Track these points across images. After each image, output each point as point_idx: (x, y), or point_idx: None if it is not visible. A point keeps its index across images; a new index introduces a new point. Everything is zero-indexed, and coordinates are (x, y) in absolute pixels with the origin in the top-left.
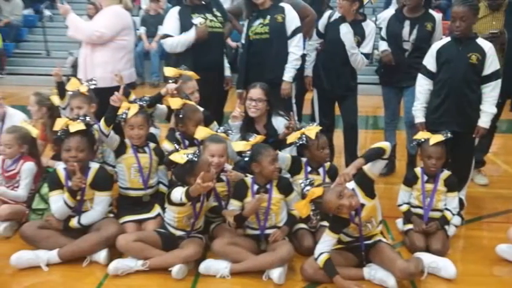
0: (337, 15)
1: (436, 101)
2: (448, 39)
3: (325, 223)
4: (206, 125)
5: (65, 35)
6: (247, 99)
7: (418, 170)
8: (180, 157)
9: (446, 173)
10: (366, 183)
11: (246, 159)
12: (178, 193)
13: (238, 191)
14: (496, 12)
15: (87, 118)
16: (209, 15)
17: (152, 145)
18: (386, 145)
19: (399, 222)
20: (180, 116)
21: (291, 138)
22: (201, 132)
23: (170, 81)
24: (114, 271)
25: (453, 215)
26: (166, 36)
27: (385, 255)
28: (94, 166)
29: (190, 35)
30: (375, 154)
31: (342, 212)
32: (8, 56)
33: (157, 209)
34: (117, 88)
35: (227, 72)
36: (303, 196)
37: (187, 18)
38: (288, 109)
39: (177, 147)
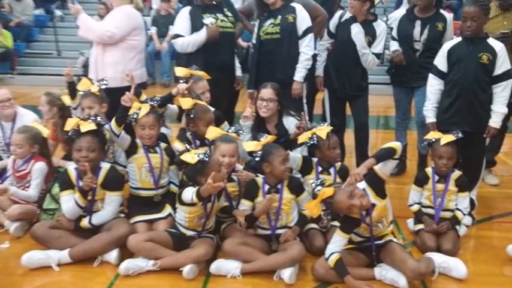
0: (348, 15)
1: (447, 101)
2: (459, 39)
3: (336, 223)
4: (217, 125)
5: (76, 35)
6: (258, 99)
7: (429, 170)
8: (191, 157)
9: (457, 173)
10: (376, 183)
11: (257, 159)
12: (189, 193)
13: (249, 191)
14: (507, 12)
15: (98, 118)
16: (220, 15)
17: (163, 145)
18: (397, 145)
19: (410, 222)
20: (191, 116)
21: (302, 138)
22: (212, 132)
23: (181, 81)
24: (125, 271)
25: (464, 215)
26: (177, 36)
27: (396, 255)
28: (105, 166)
29: (201, 35)
30: (386, 154)
31: (352, 212)
32: (19, 56)
33: (168, 209)
34: (128, 88)
35: (238, 72)
36: (314, 196)
37: (198, 18)
38: (299, 109)
39: (188, 147)
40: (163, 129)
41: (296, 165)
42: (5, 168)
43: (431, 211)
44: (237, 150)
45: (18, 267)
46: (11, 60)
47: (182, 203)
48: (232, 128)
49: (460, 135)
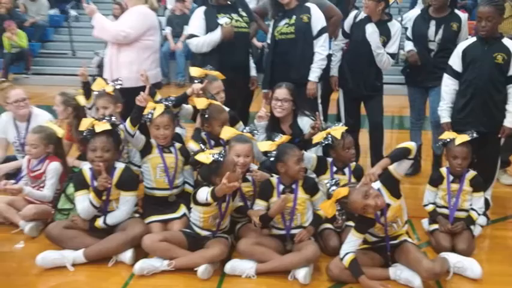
0: (362, 15)
1: (462, 101)
2: (474, 39)
3: (351, 223)
4: (232, 125)
5: (91, 35)
6: (273, 99)
7: (443, 170)
8: (206, 157)
9: (471, 173)
10: (391, 183)
11: (272, 159)
12: (203, 193)
13: (264, 191)
14: None
15: (113, 118)
16: (235, 15)
17: (178, 145)
18: (412, 145)
19: (425, 222)
20: (206, 116)
21: (316, 138)
22: (226, 132)
23: (196, 81)
24: (139, 271)
25: (479, 215)
26: (192, 36)
27: (410, 256)
28: (119, 166)
29: (216, 35)
30: (401, 154)
31: (367, 212)
32: (34, 56)
33: (182, 209)
34: (142, 88)
35: (253, 72)
36: (329, 196)
37: (213, 18)
38: (314, 109)
39: (202, 147)
40: (178, 129)
41: (311, 165)
42: (20, 168)
43: (446, 211)
44: (251, 150)
45: (33, 267)
46: (26, 60)
47: (197, 203)
48: (247, 128)
49: (474, 135)
